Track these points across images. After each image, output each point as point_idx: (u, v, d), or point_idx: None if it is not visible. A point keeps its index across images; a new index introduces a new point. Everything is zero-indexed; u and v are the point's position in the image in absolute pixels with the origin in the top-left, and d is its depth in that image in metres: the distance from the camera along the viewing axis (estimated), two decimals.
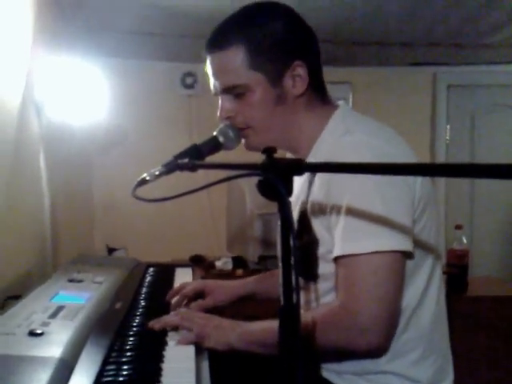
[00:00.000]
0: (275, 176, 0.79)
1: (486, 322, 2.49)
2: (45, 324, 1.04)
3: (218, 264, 2.93)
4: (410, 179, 1.10)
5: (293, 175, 0.82)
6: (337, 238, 1.08)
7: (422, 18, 2.74)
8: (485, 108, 3.84)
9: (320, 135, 1.20)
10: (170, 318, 1.18)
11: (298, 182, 1.20)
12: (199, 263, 2.96)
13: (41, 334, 0.98)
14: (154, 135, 3.39)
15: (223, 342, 1.13)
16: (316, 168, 1.00)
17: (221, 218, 3.27)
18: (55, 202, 2.14)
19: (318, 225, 1.14)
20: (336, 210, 1.08)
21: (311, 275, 1.18)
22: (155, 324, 1.15)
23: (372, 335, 1.04)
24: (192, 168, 1.08)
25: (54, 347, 0.94)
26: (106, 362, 0.97)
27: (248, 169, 0.89)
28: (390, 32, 3.00)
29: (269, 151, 0.83)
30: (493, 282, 2.97)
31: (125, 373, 0.93)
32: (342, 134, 1.13)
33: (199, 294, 1.47)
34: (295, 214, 1.19)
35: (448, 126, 3.85)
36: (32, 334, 0.98)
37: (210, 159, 1.21)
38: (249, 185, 2.64)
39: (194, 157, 1.15)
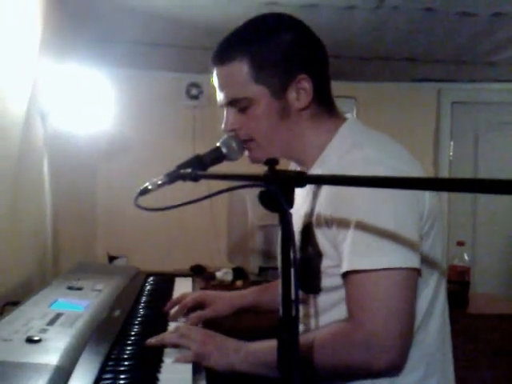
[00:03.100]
0: (277, 187, 0.80)
1: (487, 339, 2.47)
2: (43, 331, 1.04)
3: (219, 274, 2.92)
4: (419, 196, 1.09)
5: (294, 187, 0.82)
6: (345, 253, 1.06)
7: (427, 34, 2.75)
8: (489, 125, 3.85)
9: (326, 147, 1.19)
10: (168, 336, 1.16)
11: (301, 193, 1.19)
12: (199, 273, 2.96)
13: (38, 341, 0.98)
14: (158, 145, 3.40)
15: (224, 363, 1.11)
16: (318, 180, 1.00)
17: (222, 228, 3.27)
18: (57, 209, 2.14)
19: (322, 238, 1.12)
20: (344, 224, 1.06)
21: (313, 288, 1.17)
22: (152, 340, 1.13)
23: (391, 354, 1.03)
24: (194, 178, 1.08)
25: (51, 354, 0.93)
26: (103, 371, 0.96)
27: (250, 180, 0.89)
28: (396, 48, 3.02)
29: (271, 162, 0.83)
30: (494, 300, 2.96)
31: (122, 382, 0.93)
32: (350, 149, 1.12)
33: (199, 305, 1.47)
34: (298, 226, 1.18)
35: (452, 143, 3.86)
36: (29, 340, 0.98)
37: (212, 170, 1.21)
38: (251, 196, 2.64)
39: (197, 167, 1.16)
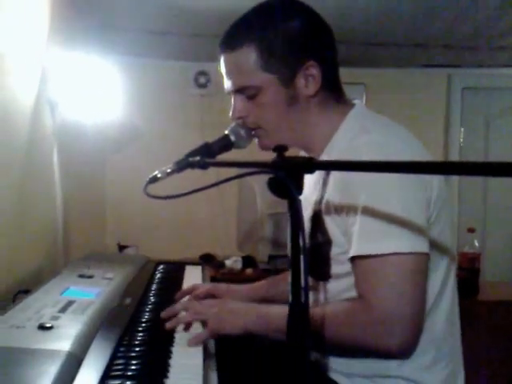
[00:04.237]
0: (286, 174, 0.79)
1: (497, 326, 2.47)
2: (54, 318, 1.05)
3: (228, 263, 2.93)
4: (426, 182, 1.09)
5: (303, 173, 0.81)
6: (354, 238, 1.06)
7: (437, 19, 2.72)
8: (499, 111, 3.81)
9: (334, 134, 1.19)
10: (182, 316, 1.17)
11: (311, 180, 1.19)
12: (209, 262, 2.97)
13: (50, 328, 0.99)
14: (167, 134, 3.40)
15: (239, 326, 1.12)
16: (326, 166, 1.00)
17: (231, 217, 3.27)
18: (67, 199, 2.15)
19: (331, 225, 1.13)
20: (352, 209, 1.06)
21: (322, 275, 1.17)
22: (167, 324, 1.14)
23: (399, 338, 1.03)
24: (203, 166, 1.08)
25: (63, 341, 0.94)
26: (114, 357, 0.97)
27: (259, 167, 0.89)
28: (405, 33, 2.99)
29: (280, 149, 0.83)
30: (504, 287, 2.95)
31: (133, 367, 0.94)
32: (358, 134, 1.12)
33: (211, 297, 1.47)
34: (308, 214, 1.18)
35: (462, 129, 3.82)
36: (42, 327, 0.99)
37: (221, 158, 1.21)
38: (260, 184, 2.64)
39: (206, 155, 1.16)
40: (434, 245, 1.10)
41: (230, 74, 1.20)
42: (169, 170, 1.10)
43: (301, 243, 0.79)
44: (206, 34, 2.76)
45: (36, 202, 1.84)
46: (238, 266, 2.91)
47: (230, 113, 1.23)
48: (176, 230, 3.44)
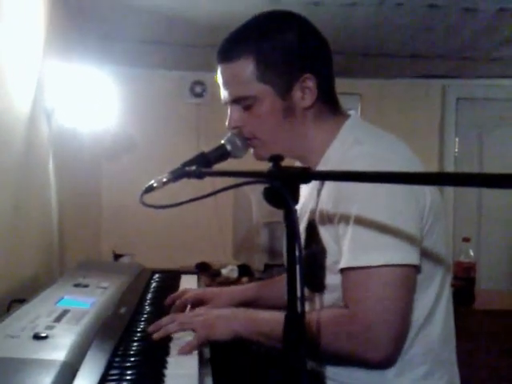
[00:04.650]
0: (281, 183, 0.80)
1: (493, 335, 2.47)
2: (49, 327, 1.04)
3: (224, 272, 2.92)
4: (418, 192, 1.09)
5: (299, 183, 0.82)
6: (344, 249, 1.07)
7: (432, 30, 2.75)
8: (494, 122, 3.84)
9: (329, 146, 1.19)
10: (170, 326, 1.16)
11: (306, 190, 1.20)
12: (205, 270, 2.96)
13: (45, 338, 0.99)
14: (163, 143, 3.41)
15: (228, 330, 1.12)
16: (322, 176, 1.01)
17: (227, 226, 3.27)
18: (63, 207, 2.15)
19: (325, 234, 1.13)
20: (344, 220, 1.07)
21: (317, 286, 1.17)
22: (155, 335, 1.13)
23: (383, 348, 1.03)
24: (199, 175, 1.09)
25: (58, 351, 0.94)
26: (109, 367, 0.97)
27: (255, 176, 0.89)
28: (400, 44, 3.01)
29: (275, 159, 0.83)
30: (500, 296, 2.95)
31: (128, 377, 0.94)
32: (351, 145, 1.13)
33: (199, 302, 1.47)
34: (303, 223, 1.19)
35: (457, 139, 3.84)
36: (36, 337, 0.98)
37: (217, 167, 1.21)
38: (255, 193, 2.64)
39: (202, 164, 1.16)
40: (429, 255, 1.10)
41: (226, 84, 1.21)
42: (165, 180, 1.10)
43: (297, 253, 0.80)
44: (202, 44, 2.78)
45: (31, 209, 1.83)
46: (234, 274, 2.90)
47: (227, 123, 1.24)
48: (172, 238, 3.43)
